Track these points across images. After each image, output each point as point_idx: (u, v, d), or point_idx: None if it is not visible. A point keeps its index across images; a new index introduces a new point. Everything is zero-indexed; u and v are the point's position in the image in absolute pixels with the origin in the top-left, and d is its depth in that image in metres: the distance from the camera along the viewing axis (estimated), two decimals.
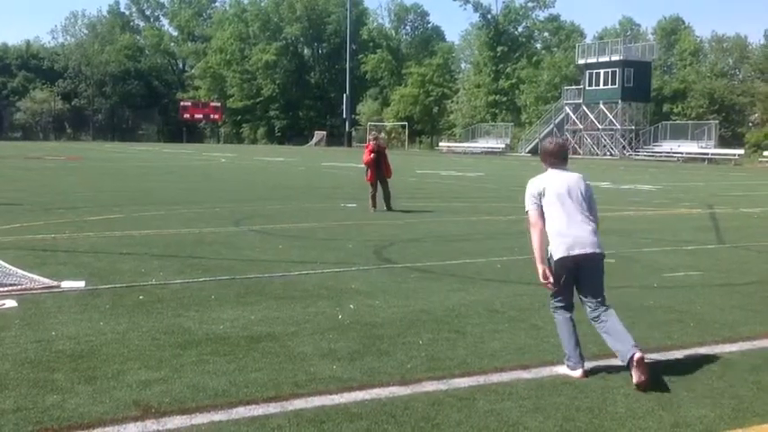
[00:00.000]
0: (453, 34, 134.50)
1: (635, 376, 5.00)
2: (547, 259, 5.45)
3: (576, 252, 5.34)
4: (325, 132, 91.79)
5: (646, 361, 5.05)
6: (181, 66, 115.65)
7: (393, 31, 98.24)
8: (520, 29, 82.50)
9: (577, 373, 5.28)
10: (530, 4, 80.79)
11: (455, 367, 5.36)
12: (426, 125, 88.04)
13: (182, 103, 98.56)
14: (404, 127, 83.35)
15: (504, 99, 77.80)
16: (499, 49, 78.91)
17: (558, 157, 5.70)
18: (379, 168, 16.33)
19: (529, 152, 68.52)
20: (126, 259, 9.54)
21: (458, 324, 6.60)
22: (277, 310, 6.95)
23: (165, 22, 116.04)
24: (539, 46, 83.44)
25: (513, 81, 76.88)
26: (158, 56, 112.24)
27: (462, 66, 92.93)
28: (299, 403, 4.59)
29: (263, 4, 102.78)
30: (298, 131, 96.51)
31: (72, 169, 32.64)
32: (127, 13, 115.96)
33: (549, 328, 6.44)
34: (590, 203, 5.62)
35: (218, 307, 7.04)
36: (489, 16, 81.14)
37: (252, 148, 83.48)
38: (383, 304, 7.31)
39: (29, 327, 6.17)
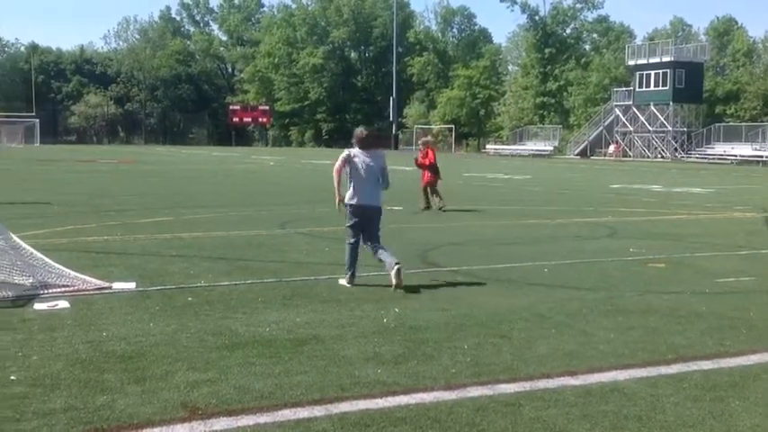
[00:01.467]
0: (500, 36, 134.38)
1: (394, 281, 8.00)
2: (346, 205, 8.53)
3: (363, 203, 8.47)
4: None
5: (402, 271, 8.05)
6: (230, 70, 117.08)
7: (440, 34, 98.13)
8: (568, 30, 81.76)
9: (344, 280, 8.34)
10: (578, 5, 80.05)
11: (500, 372, 5.32)
12: (473, 128, 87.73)
13: (231, 107, 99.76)
14: (450, 130, 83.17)
15: (552, 101, 77.14)
16: (547, 50, 78.28)
17: (364, 142, 8.61)
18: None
19: (578, 155, 67.83)
20: (175, 261, 9.68)
21: (503, 329, 6.55)
22: (322, 313, 6.98)
23: (214, 27, 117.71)
24: (587, 47, 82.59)
25: (562, 83, 76.19)
26: (208, 60, 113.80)
27: (510, 68, 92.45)
28: (343, 407, 4.60)
29: (310, 9, 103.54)
30: (345, 134, 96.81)
31: (124, 172, 33.27)
32: (177, 18, 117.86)
33: (599, 334, 6.38)
34: (382, 174, 8.57)
35: (264, 309, 7.10)
36: (537, 18, 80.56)
37: (299, 150, 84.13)
38: (428, 308, 7.29)
39: (80, 327, 6.30)
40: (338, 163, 8.49)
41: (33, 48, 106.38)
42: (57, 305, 6.99)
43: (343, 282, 8.33)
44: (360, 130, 8.76)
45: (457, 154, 77.01)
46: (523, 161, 58.52)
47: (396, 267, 8.00)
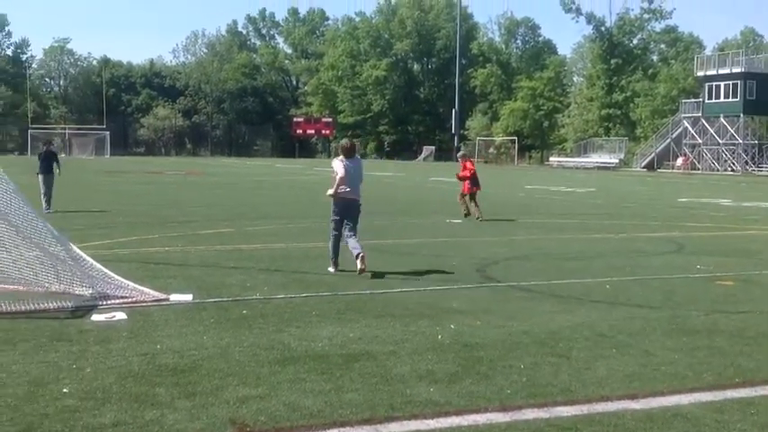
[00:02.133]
0: (565, 47, 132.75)
1: (358, 266, 9.64)
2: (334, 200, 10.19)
3: (349, 196, 10.12)
4: (433, 147, 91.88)
5: (365, 258, 9.70)
6: (294, 82, 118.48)
7: (503, 45, 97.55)
8: (635, 41, 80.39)
9: (331, 268, 10.07)
10: (645, 16, 78.64)
11: (557, 394, 5.14)
12: (536, 140, 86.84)
13: (294, 119, 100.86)
14: (513, 142, 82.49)
15: (618, 113, 75.86)
16: (613, 61, 77.09)
17: (348, 152, 10.40)
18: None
19: (644, 167, 66.50)
20: (233, 273, 9.73)
21: (562, 348, 6.36)
22: (376, 329, 6.89)
23: (279, 40, 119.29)
24: (655, 58, 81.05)
25: (628, 94, 74.88)
26: (273, 73, 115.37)
27: (575, 79, 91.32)
28: (393, 427, 4.49)
29: (373, 21, 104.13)
30: (406, 146, 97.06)
31: (190, 184, 33.86)
32: (244, 32, 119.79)
33: (662, 355, 6.14)
34: (361, 177, 10.36)
35: (318, 323, 7.05)
36: (603, 28, 79.43)
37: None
38: (484, 325, 7.14)
39: (135, 339, 6.33)
40: (342, 171, 10.07)
41: (105, 62, 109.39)
42: (114, 316, 7.06)
43: (330, 269, 10.10)
44: (344, 143, 10.80)
45: (519, 166, 76.31)
46: (587, 174, 57.61)
47: (360, 256, 9.74)
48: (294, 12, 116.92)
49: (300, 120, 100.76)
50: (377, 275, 9.60)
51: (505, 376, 5.54)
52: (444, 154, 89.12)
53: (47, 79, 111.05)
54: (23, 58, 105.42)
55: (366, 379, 5.40)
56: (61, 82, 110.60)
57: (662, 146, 67.62)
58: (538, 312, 7.71)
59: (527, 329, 6.96)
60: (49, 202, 18.27)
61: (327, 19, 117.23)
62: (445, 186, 33.49)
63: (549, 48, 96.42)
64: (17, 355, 5.80)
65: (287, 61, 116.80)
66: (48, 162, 18.87)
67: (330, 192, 10.14)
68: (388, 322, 7.15)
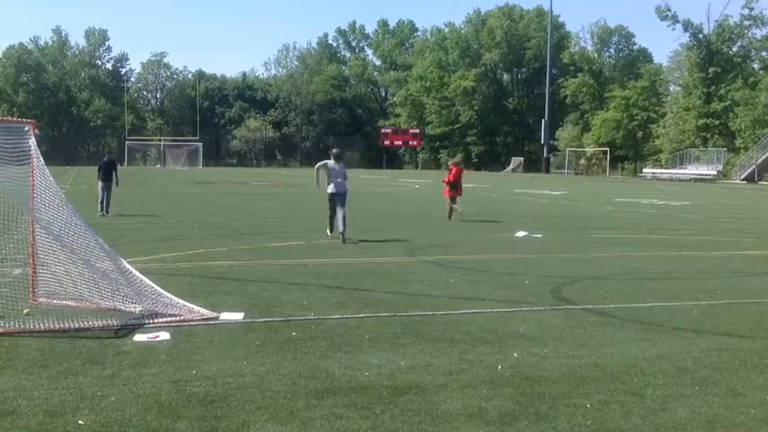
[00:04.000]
0: (661, 55, 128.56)
1: (340, 238, 14.23)
2: (328, 192, 14.71)
3: (335, 190, 14.55)
4: (522, 158, 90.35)
5: (344, 234, 14.29)
6: (383, 94, 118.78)
7: (595, 54, 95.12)
8: (734, 48, 77.05)
9: (328, 232, 14.89)
10: (746, 23, 75.27)
11: None
12: (629, 150, 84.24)
13: (382, 130, 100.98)
14: (605, 153, 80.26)
15: (717, 123, 72.77)
16: (711, 69, 74.07)
17: (336, 158, 15.01)
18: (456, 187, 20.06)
19: (744, 179, 63.57)
20: (291, 290, 9.33)
21: (636, 384, 5.67)
22: (431, 356, 6.34)
23: (369, 52, 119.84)
24: (756, 66, 77.47)
25: (727, 103, 71.73)
26: (362, 85, 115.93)
27: (671, 88, 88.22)
28: None
29: (462, 32, 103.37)
30: (495, 157, 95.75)
31: (271, 195, 33.95)
32: (334, 44, 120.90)
33: (752, 395, 5.40)
34: (345, 175, 14.85)
35: (369, 349, 6.54)
36: (701, 36, 76.47)
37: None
38: (551, 354, 6.49)
39: (172, 364, 5.97)
40: (318, 164, 15.30)
41: (200, 75, 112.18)
42: (157, 336, 6.74)
43: (327, 232, 14.96)
44: (334, 151, 15.66)
45: (611, 178, 74.14)
46: (683, 186, 55.33)
47: (341, 232, 14.37)
48: (384, 24, 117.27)
49: (388, 131, 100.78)
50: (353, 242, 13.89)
51: (568, 417, 4.92)
52: (533, 165, 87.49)
53: (144, 92, 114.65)
54: (122, 72, 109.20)
55: (409, 416, 4.87)
56: (158, 95, 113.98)
57: (763, 157, 64.46)
58: (613, 341, 7.00)
59: (598, 361, 6.29)
60: (105, 208, 19.73)
61: (416, 30, 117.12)
62: (532, 199, 32.56)
63: (644, 56, 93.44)
64: (44, 380, 5.51)
65: (376, 73, 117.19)
66: (107, 170, 20.21)
67: (315, 184, 15.25)
68: (444, 349, 6.59)
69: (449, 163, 22.07)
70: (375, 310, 8.12)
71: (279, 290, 9.33)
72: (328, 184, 14.69)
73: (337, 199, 14.59)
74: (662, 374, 5.94)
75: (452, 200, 19.86)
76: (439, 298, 8.96)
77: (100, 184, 20.10)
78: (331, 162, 14.96)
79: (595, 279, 10.76)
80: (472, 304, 8.59)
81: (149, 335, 6.80)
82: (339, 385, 5.51)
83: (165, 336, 6.79)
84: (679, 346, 6.88)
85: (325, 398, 5.20)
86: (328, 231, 14.87)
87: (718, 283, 10.56)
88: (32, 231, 7.78)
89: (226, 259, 11.94)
